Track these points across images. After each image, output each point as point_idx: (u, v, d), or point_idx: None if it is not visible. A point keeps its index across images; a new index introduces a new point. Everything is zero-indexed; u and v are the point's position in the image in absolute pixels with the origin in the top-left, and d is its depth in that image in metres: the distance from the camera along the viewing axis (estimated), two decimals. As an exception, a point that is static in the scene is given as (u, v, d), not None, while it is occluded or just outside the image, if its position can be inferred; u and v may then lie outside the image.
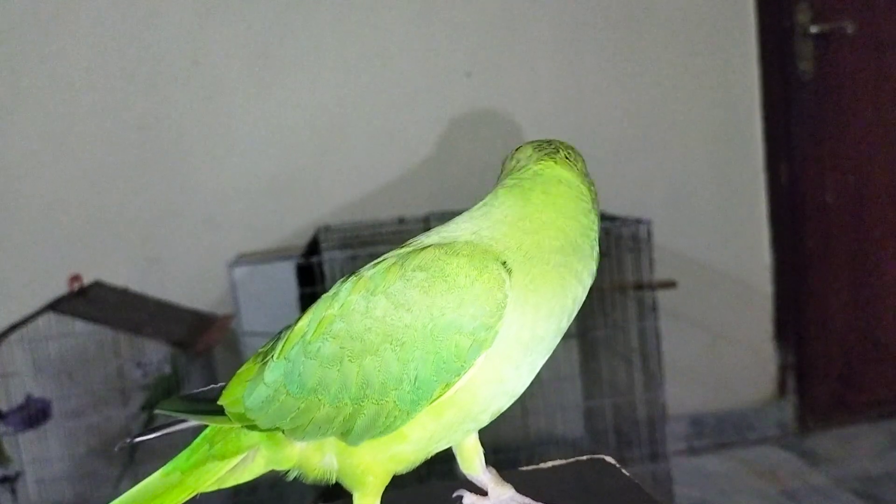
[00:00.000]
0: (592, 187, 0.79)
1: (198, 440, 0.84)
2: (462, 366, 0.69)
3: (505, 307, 0.69)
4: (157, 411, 0.84)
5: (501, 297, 0.69)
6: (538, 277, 0.71)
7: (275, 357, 0.76)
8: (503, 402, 0.74)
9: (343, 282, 0.75)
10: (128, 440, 0.83)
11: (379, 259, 0.75)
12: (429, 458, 0.77)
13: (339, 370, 0.72)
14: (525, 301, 0.70)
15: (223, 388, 0.82)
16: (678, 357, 2.54)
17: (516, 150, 0.82)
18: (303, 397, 0.74)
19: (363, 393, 0.71)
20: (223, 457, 0.81)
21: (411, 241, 0.77)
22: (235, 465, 0.81)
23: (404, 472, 0.77)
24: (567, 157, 0.78)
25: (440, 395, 0.70)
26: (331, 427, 0.73)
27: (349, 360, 0.71)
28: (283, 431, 0.76)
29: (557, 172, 0.76)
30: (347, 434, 0.73)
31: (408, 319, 0.69)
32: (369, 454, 0.75)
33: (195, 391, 0.85)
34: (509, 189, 0.76)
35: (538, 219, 0.73)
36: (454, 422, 0.73)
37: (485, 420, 0.75)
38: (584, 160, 0.81)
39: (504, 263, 0.70)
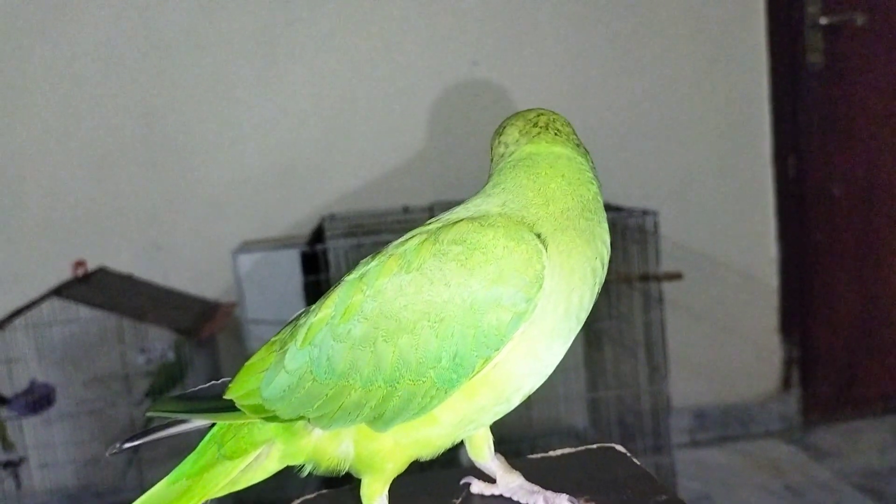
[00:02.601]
0: (588, 155, 0.80)
1: (204, 442, 0.81)
2: (502, 339, 0.68)
3: (543, 278, 0.68)
4: (149, 414, 0.80)
5: (540, 267, 0.68)
6: (568, 243, 0.70)
7: (297, 344, 0.73)
8: (535, 381, 0.73)
9: (367, 263, 0.73)
10: (117, 445, 0.79)
11: (405, 237, 0.74)
12: (454, 445, 0.76)
13: (372, 351, 0.70)
14: (560, 269, 0.69)
15: (225, 383, 0.79)
16: (683, 349, 2.54)
17: (500, 132, 0.81)
18: (332, 382, 0.71)
19: (399, 373, 0.69)
20: (235, 455, 0.78)
21: (436, 218, 0.75)
22: (248, 464, 0.78)
23: (427, 459, 0.75)
24: (556, 134, 0.78)
25: (479, 371, 0.69)
26: (361, 412, 0.71)
27: (383, 341, 0.69)
28: (308, 420, 0.74)
29: (552, 150, 0.77)
30: (378, 419, 0.71)
31: (446, 294, 0.68)
32: (392, 440, 0.73)
33: (190, 390, 0.82)
34: (513, 167, 0.76)
35: (552, 188, 0.73)
36: (486, 403, 0.71)
37: (516, 402, 0.73)
38: (570, 126, 0.81)
39: (538, 234, 0.69)
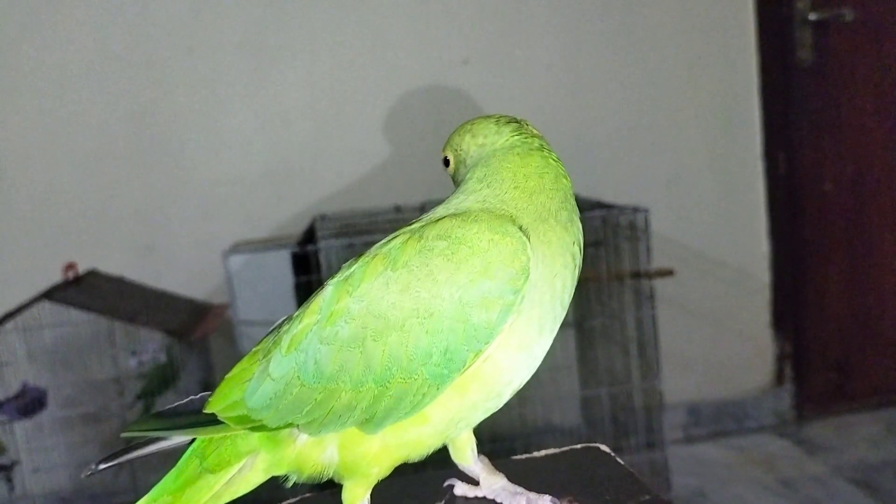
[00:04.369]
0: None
1: (185, 457, 0.80)
2: (492, 332, 0.68)
3: (529, 269, 0.69)
4: (124, 435, 0.80)
5: (525, 259, 0.69)
6: (548, 232, 0.72)
7: (282, 351, 0.73)
8: (525, 373, 0.73)
9: (350, 265, 0.73)
10: (93, 466, 0.78)
11: (389, 237, 0.74)
12: (442, 445, 0.76)
13: (361, 352, 0.70)
14: (543, 257, 0.70)
15: (204, 398, 0.79)
16: (675, 346, 2.54)
17: (469, 131, 0.80)
18: (320, 386, 0.71)
19: (389, 372, 0.69)
20: (218, 469, 0.78)
21: (418, 218, 0.76)
22: (232, 477, 0.78)
23: (415, 461, 0.75)
24: (531, 128, 0.80)
25: (470, 366, 0.69)
26: (351, 415, 0.71)
27: (372, 340, 0.69)
28: (297, 427, 0.74)
29: (539, 142, 0.78)
30: (369, 420, 0.71)
31: (434, 290, 0.68)
32: (379, 443, 0.73)
33: (168, 407, 0.81)
34: (503, 157, 0.76)
35: (539, 180, 0.74)
36: (478, 399, 0.72)
37: (506, 396, 0.73)
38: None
39: (521, 227, 0.70)
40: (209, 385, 2.20)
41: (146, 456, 0.81)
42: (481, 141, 0.79)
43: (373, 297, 0.69)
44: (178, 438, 0.79)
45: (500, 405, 0.74)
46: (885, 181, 2.71)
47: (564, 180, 0.76)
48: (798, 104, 2.64)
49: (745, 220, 2.72)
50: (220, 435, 0.78)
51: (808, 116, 2.66)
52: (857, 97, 2.67)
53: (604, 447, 0.90)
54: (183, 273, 2.45)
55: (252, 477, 0.78)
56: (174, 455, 0.83)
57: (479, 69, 2.54)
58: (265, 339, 0.78)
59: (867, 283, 2.76)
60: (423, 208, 2.36)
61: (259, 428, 0.75)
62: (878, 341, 2.77)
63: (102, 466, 0.78)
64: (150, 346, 2.17)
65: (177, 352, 2.14)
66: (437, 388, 0.69)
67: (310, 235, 2.29)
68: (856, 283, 2.75)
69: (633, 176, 2.60)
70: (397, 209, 2.43)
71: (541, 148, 0.78)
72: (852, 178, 2.70)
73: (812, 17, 2.58)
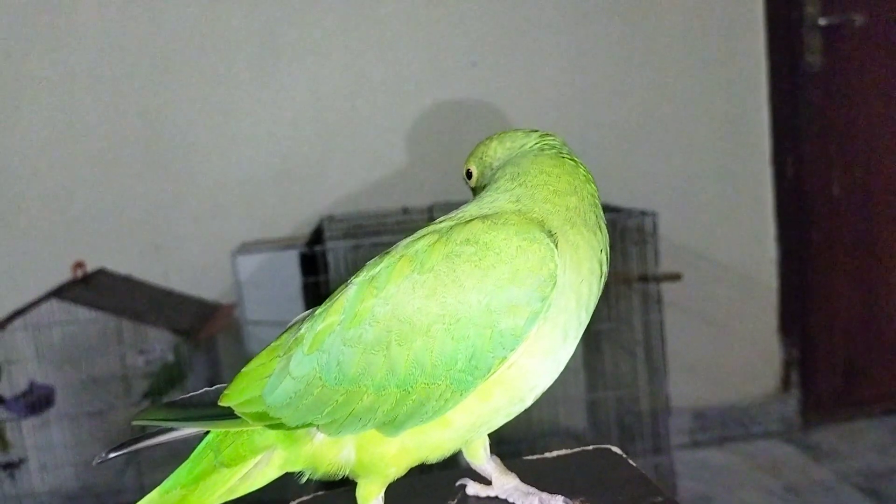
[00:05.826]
0: None
1: (199, 449, 0.79)
2: (518, 339, 0.67)
3: (556, 276, 0.68)
4: (136, 423, 0.79)
5: (553, 266, 0.68)
6: (577, 236, 0.71)
7: (304, 350, 0.72)
8: (549, 378, 0.72)
9: (376, 264, 0.72)
10: (103, 454, 0.78)
11: (416, 236, 0.73)
12: (459, 448, 0.76)
13: (385, 355, 0.69)
14: (571, 262, 0.70)
15: (218, 390, 0.78)
16: (682, 350, 2.53)
17: (496, 137, 0.82)
18: (342, 388, 0.70)
19: (413, 377, 0.68)
20: (233, 463, 0.77)
21: (448, 216, 0.75)
22: (247, 472, 0.77)
23: (434, 462, 0.75)
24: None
25: (495, 372, 0.68)
26: (373, 417, 0.71)
27: (397, 344, 0.68)
28: (317, 427, 0.73)
29: (567, 150, 0.79)
30: (389, 423, 0.71)
31: (461, 296, 0.67)
32: (397, 445, 0.72)
33: (180, 397, 0.80)
34: (534, 157, 0.77)
35: (570, 180, 0.74)
36: (501, 404, 0.71)
37: (529, 401, 0.73)
38: None
39: (550, 232, 0.70)
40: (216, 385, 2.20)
41: (154, 448, 0.80)
42: (509, 145, 0.80)
43: (398, 301, 0.68)
44: (189, 430, 0.79)
45: (523, 410, 0.73)
46: (893, 186, 2.70)
47: (592, 186, 0.76)
48: (807, 109, 2.64)
49: (752, 225, 2.72)
50: (236, 429, 0.77)
51: (817, 121, 2.65)
52: (866, 102, 2.66)
53: (615, 449, 0.90)
54: (191, 273, 2.45)
55: (267, 472, 0.77)
56: (180, 454, 0.82)
57: (488, 72, 2.54)
58: (283, 335, 0.77)
59: (875, 288, 2.75)
60: (431, 210, 2.36)
61: (277, 426, 0.74)
62: (886, 347, 2.76)
63: (112, 455, 0.78)
64: (158, 345, 2.18)
65: (184, 351, 2.14)
66: (461, 394, 0.69)
67: (318, 236, 2.30)
68: (863, 289, 2.74)
69: (642, 179, 2.60)
70: (405, 211, 2.43)
71: (569, 154, 0.78)
72: (860, 183, 2.69)
73: (822, 21, 2.57)
